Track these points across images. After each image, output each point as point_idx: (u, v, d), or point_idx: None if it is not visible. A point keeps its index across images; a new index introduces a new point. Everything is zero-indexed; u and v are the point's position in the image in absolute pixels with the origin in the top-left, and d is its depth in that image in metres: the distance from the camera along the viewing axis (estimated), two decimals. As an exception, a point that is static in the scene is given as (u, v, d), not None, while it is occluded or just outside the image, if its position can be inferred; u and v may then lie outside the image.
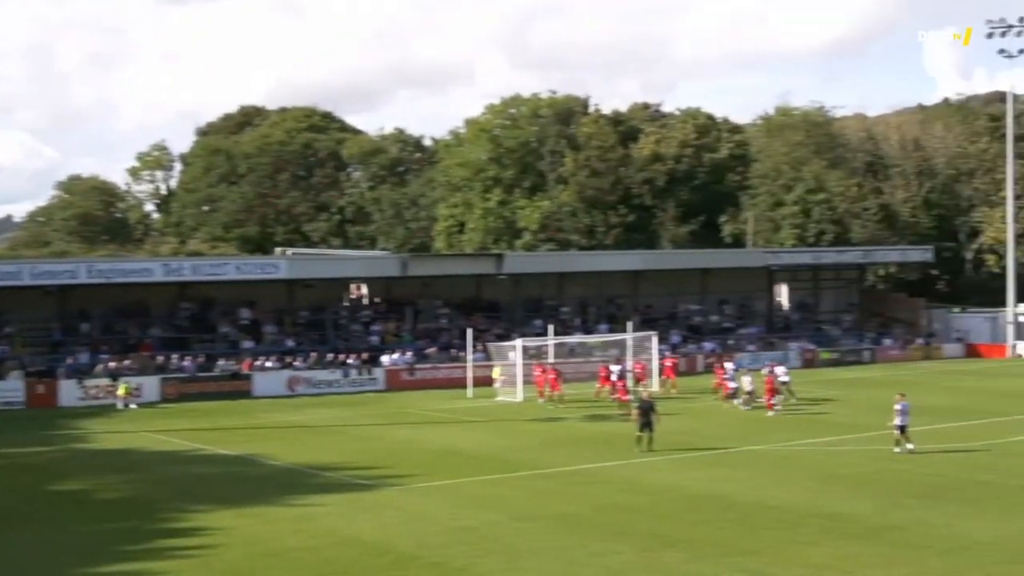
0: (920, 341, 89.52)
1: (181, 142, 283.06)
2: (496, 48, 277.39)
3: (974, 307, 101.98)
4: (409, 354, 70.89)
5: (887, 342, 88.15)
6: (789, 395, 55.68)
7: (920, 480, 35.58)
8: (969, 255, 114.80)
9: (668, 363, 64.04)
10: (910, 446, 39.95)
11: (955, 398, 57.89)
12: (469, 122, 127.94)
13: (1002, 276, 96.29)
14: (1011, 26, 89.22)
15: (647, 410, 41.73)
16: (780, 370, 56.05)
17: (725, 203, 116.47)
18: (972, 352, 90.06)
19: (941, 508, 31.30)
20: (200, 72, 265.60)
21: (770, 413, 52.78)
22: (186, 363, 66.46)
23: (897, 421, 40.29)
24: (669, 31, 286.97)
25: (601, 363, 62.05)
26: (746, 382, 55.28)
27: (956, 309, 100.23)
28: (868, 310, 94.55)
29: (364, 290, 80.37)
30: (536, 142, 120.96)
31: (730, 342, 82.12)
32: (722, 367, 59.34)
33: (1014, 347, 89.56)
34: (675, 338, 79.83)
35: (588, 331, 76.35)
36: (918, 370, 77.97)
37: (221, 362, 67.36)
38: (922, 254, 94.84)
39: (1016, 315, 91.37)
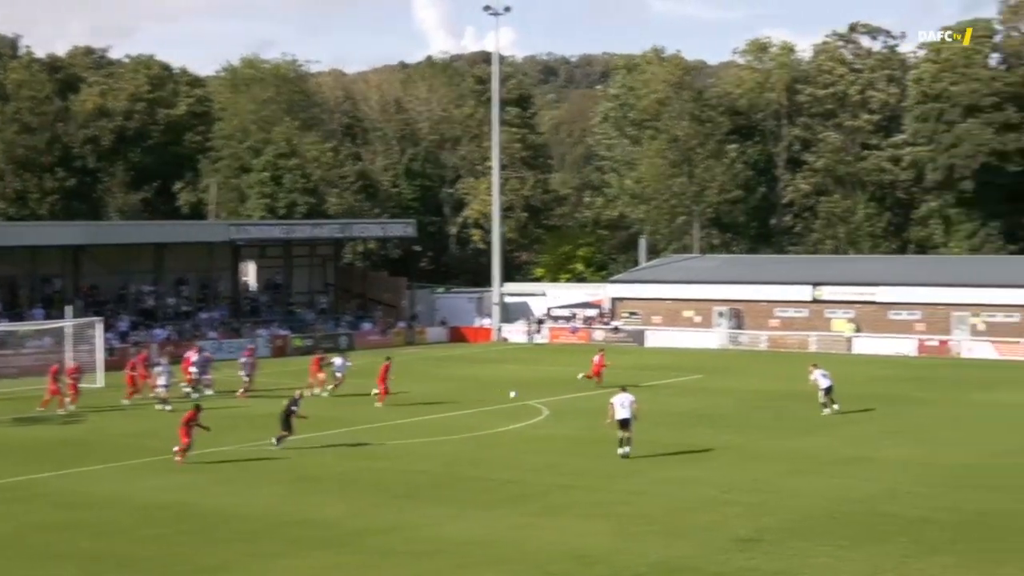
0: (402, 324, 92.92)
1: None
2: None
3: (460, 286, 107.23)
4: None
5: (366, 326, 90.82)
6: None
7: (401, 479, 37.04)
8: (454, 230, 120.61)
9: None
10: (836, 406, 50.13)
11: (439, 386, 60.62)
12: None
13: (488, 252, 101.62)
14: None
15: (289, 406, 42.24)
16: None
17: (183, 167, 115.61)
18: (457, 336, 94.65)
19: (423, 508, 32.75)
20: None
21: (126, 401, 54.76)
22: None
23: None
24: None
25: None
26: (162, 376, 54.70)
27: (440, 289, 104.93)
28: (346, 291, 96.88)
29: None
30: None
31: (188, 327, 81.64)
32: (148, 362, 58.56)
33: (499, 330, 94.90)
34: (123, 324, 78.29)
35: (18, 317, 73.44)
36: (400, 356, 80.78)
37: None
38: (404, 228, 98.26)
39: (502, 295, 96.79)
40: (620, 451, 39.91)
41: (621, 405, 40.02)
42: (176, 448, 39.68)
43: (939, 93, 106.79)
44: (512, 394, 54.63)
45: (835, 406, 50.53)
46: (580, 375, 61.25)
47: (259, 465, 39.58)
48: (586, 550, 27.99)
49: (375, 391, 54.62)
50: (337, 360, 59.24)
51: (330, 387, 57.82)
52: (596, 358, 61.75)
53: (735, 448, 42.27)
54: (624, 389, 41.11)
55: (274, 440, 42.21)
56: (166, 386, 54.12)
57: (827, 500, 33.59)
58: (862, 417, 50.15)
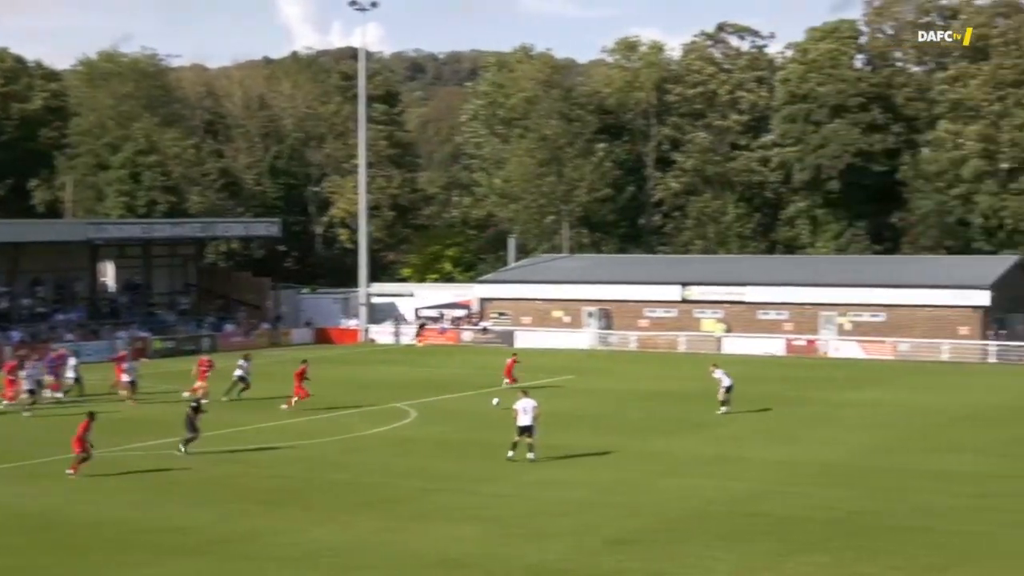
0: (266, 326, 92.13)
1: None
2: None
3: (325, 287, 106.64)
4: None
5: (229, 327, 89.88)
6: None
7: (266, 484, 36.74)
8: (320, 229, 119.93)
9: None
10: (724, 408, 49.76)
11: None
12: None
13: (355, 252, 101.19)
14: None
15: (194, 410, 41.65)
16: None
17: (38, 164, 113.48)
18: (323, 337, 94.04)
19: (289, 514, 32.50)
20: None
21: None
22: None
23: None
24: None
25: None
26: (27, 381, 53.73)
27: (305, 290, 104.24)
28: (208, 291, 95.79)
29: None
30: None
31: (43, 329, 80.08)
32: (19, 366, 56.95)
33: (367, 331, 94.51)
34: (-24, 327, 76.70)
35: None
36: (265, 358, 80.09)
37: None
38: (268, 227, 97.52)
39: (369, 296, 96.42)
40: (509, 454, 39.80)
41: (524, 411, 39.78)
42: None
43: (806, 93, 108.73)
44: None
45: (723, 408, 51.40)
46: (505, 383, 59.66)
47: (121, 471, 38.91)
48: (456, 555, 27.99)
49: (291, 402, 53.73)
50: (241, 363, 57.82)
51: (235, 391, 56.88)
52: (509, 360, 61.54)
53: (606, 449, 42.50)
54: (526, 393, 41.01)
55: (181, 447, 41.47)
56: (32, 391, 53.09)
57: (699, 500, 34.00)
58: (732, 417, 50.79)
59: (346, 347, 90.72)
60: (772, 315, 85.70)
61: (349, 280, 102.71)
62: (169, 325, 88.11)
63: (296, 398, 53.26)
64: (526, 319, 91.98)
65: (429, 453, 42.34)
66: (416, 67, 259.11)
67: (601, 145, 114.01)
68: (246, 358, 58.76)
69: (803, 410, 53.86)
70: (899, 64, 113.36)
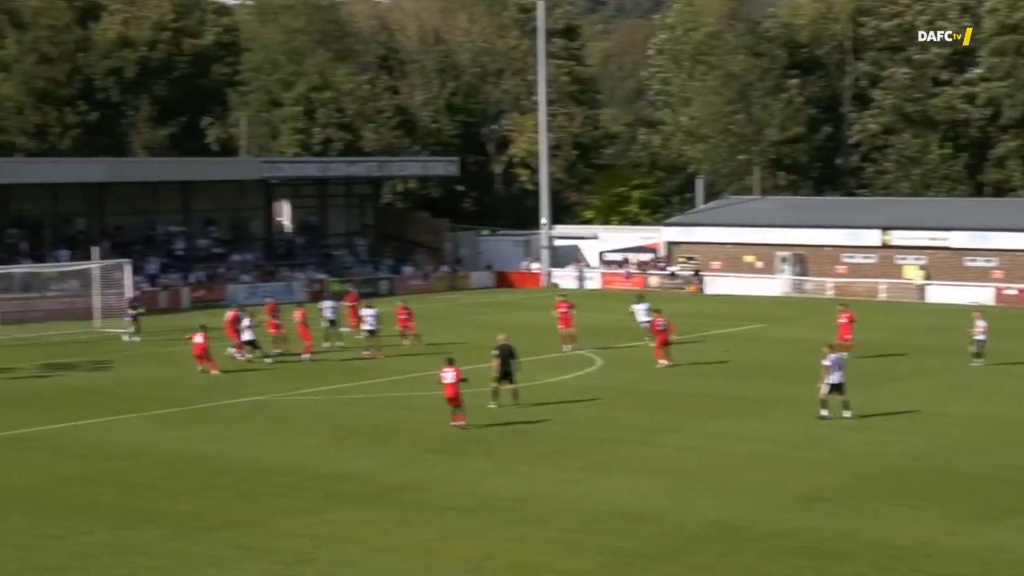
0: (445, 268, 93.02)
1: None
2: None
3: (505, 229, 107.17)
4: None
5: (408, 270, 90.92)
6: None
7: (440, 432, 37.25)
8: (499, 169, 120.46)
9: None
10: (847, 413, 38.69)
11: (485, 334, 60.57)
12: None
13: (535, 193, 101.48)
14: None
15: None
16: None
17: (211, 101, 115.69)
18: (503, 281, 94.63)
19: (463, 462, 33.06)
20: None
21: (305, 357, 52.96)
22: None
23: (832, 379, 38.89)
24: None
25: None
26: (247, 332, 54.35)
27: (485, 231, 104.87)
28: (385, 232, 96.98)
29: None
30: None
31: (220, 271, 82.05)
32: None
33: (549, 275, 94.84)
34: (152, 267, 78.87)
35: (41, 259, 74.16)
36: (443, 302, 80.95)
37: None
38: (446, 167, 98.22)
39: (551, 238, 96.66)
40: (822, 413, 38.73)
41: (838, 367, 38.68)
42: None
43: (1017, 23, 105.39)
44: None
45: (977, 360, 51.02)
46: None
47: (294, 416, 39.97)
48: (636, 508, 28.20)
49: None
50: (639, 307, 57.74)
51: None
52: (842, 319, 54.30)
53: (793, 401, 41.93)
54: (832, 348, 39.76)
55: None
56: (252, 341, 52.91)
57: (892, 457, 33.62)
58: (929, 370, 50.01)
59: (528, 291, 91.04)
60: (980, 262, 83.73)
61: (529, 222, 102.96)
62: (346, 267, 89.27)
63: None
64: (716, 264, 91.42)
65: (613, 403, 42.45)
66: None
67: (793, 81, 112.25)
68: (640, 299, 58.98)
69: (1008, 364, 52.53)
70: None
